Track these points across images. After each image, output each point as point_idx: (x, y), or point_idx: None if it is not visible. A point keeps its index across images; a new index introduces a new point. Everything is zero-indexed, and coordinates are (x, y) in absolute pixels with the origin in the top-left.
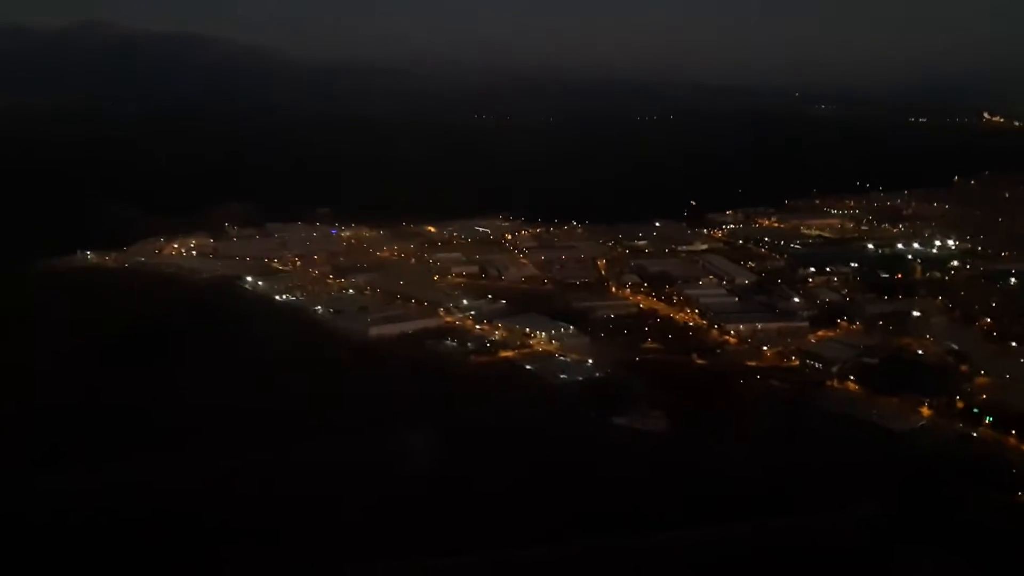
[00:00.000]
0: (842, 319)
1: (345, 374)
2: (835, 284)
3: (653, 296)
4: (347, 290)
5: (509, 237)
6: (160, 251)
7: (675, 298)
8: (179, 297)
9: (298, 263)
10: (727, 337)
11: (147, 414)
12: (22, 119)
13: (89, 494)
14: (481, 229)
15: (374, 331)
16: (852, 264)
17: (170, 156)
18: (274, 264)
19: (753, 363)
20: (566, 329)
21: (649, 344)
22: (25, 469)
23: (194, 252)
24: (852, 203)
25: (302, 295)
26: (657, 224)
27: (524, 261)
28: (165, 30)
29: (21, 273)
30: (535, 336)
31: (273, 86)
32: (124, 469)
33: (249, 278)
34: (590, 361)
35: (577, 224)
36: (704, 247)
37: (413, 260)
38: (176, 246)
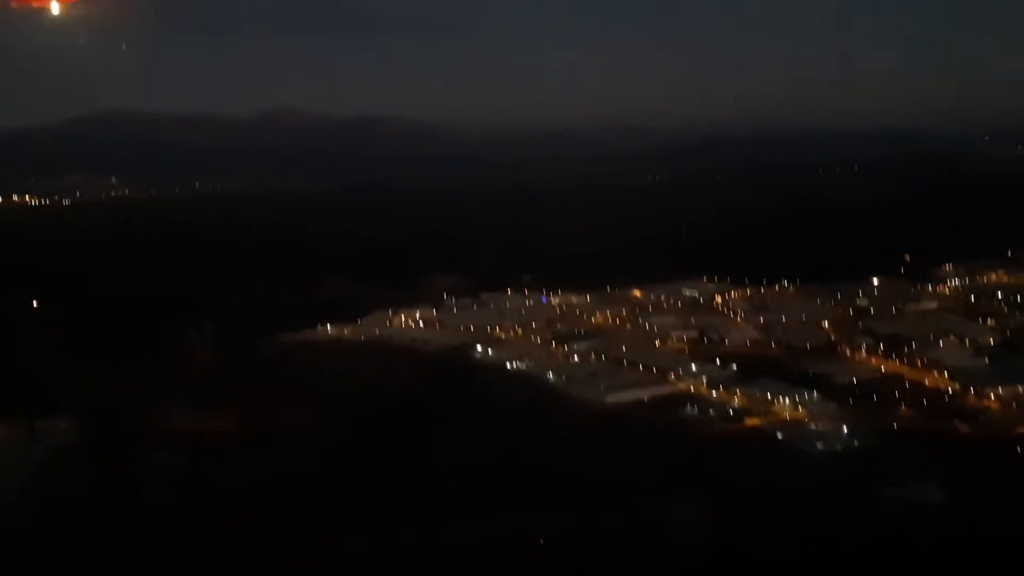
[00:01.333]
0: None
1: (595, 443)
2: None
3: (892, 359)
4: (572, 357)
5: (719, 300)
6: (390, 323)
7: (918, 361)
8: (420, 366)
9: (519, 331)
10: (987, 402)
11: (425, 477)
12: (224, 203)
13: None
14: (688, 292)
15: (610, 398)
16: None
17: (371, 232)
18: (496, 333)
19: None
20: (810, 395)
21: (904, 411)
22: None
23: (421, 323)
24: None
25: (531, 362)
26: (875, 281)
27: (743, 324)
28: (343, 113)
29: (273, 346)
30: (778, 403)
31: (445, 159)
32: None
33: (478, 347)
34: (844, 429)
35: (788, 284)
36: (934, 305)
37: (629, 326)
38: (403, 317)
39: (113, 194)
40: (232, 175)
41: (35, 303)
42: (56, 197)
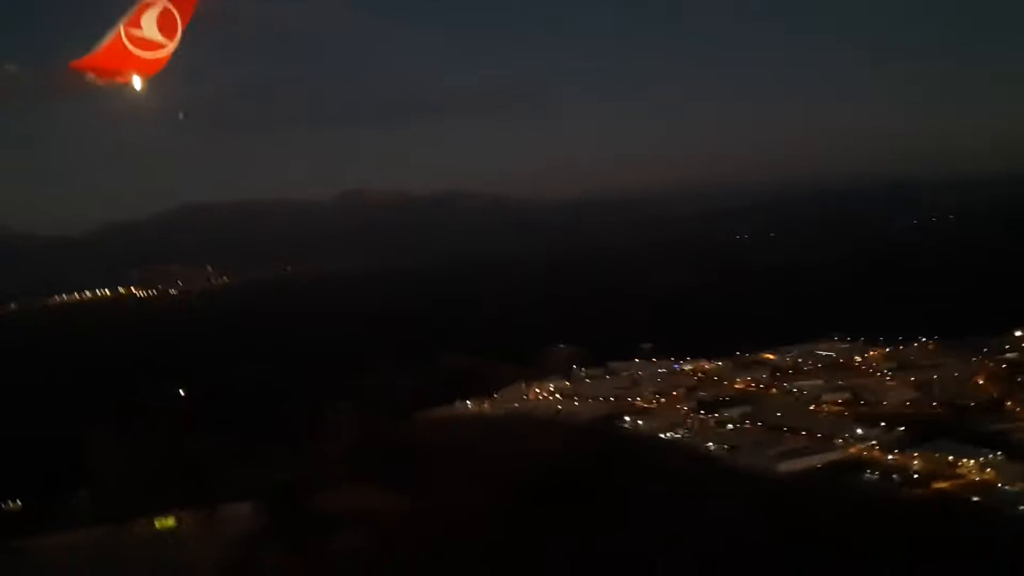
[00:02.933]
0: None
1: (784, 515)
2: None
3: None
4: (726, 425)
5: (859, 359)
6: (527, 396)
7: None
8: (573, 441)
9: (662, 400)
10: None
11: (619, 555)
12: (321, 284)
13: None
14: (824, 353)
15: (782, 467)
16: None
17: (472, 304)
18: (638, 403)
19: None
20: (993, 455)
21: None
22: None
23: (558, 395)
24: None
25: (685, 432)
26: (1017, 333)
27: (894, 384)
28: (417, 191)
29: (416, 423)
30: (962, 464)
31: (525, 229)
32: None
33: (626, 418)
34: None
35: (927, 340)
36: None
37: (774, 390)
38: (537, 390)
39: (212, 282)
40: (318, 256)
41: (180, 391)
42: (160, 287)
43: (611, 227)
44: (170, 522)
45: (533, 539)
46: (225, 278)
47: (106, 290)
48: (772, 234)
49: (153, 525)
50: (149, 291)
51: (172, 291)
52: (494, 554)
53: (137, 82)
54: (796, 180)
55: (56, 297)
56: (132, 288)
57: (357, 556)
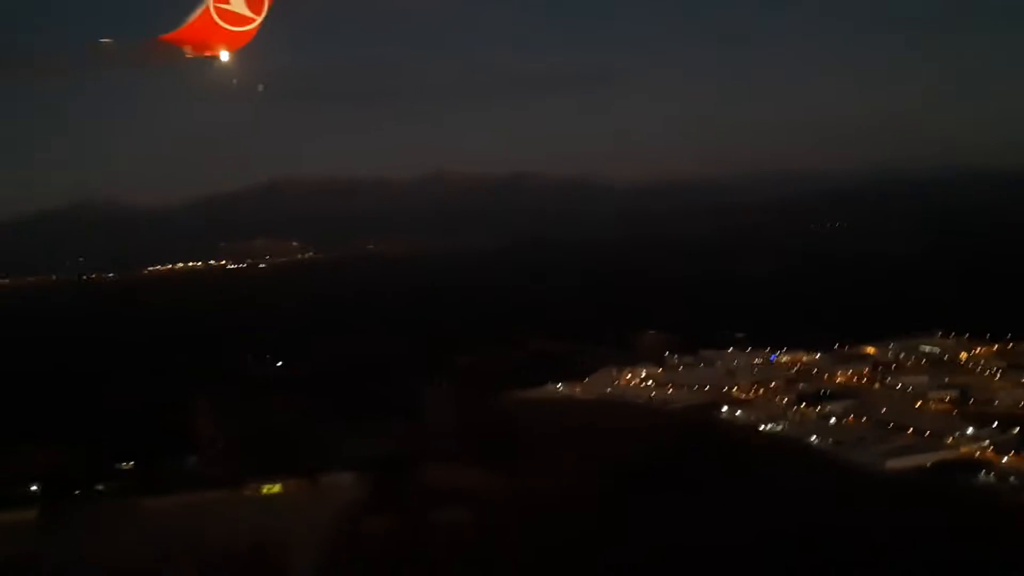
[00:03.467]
0: None
1: (900, 513)
2: None
3: None
4: (829, 419)
5: (965, 356)
6: (618, 382)
7: None
8: (670, 428)
9: (760, 391)
10: None
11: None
12: (404, 263)
13: None
14: (928, 349)
15: (890, 464)
16: None
17: (554, 286)
18: (735, 392)
19: None
20: None
21: None
22: None
23: (651, 382)
24: None
25: (785, 424)
26: None
27: (1003, 383)
28: (496, 172)
29: (511, 403)
30: None
31: (600, 212)
32: None
33: (724, 408)
34: None
35: None
36: None
37: (877, 385)
38: (629, 376)
39: (300, 256)
40: (398, 235)
41: (279, 362)
42: (250, 260)
43: (684, 212)
44: (276, 488)
45: (637, 527)
46: (312, 253)
47: (198, 262)
48: (849, 224)
49: (260, 490)
50: (239, 264)
51: (261, 264)
52: (598, 540)
53: (224, 55)
54: (872, 169)
55: (150, 268)
56: (222, 261)
57: (462, 531)
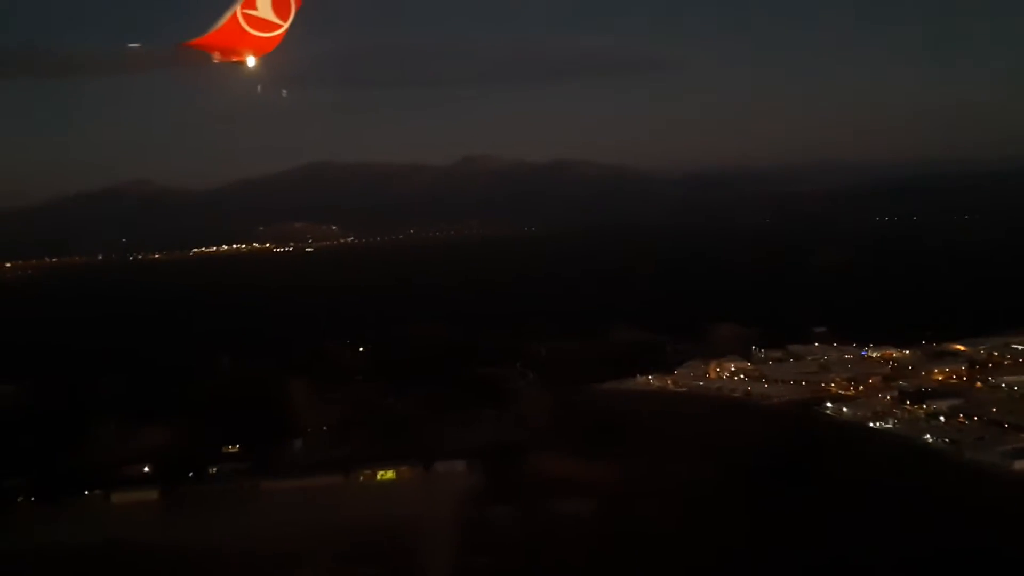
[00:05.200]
0: None
1: None
2: None
3: None
4: (938, 418)
5: None
6: (708, 375)
7: None
8: (778, 423)
9: (859, 387)
10: None
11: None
12: (448, 249)
13: None
14: (1020, 347)
15: (1017, 465)
16: None
17: (617, 274)
18: (831, 388)
19: None
20: None
21: None
22: None
23: (742, 376)
24: None
25: (895, 422)
26: None
27: None
28: (536, 159)
29: (604, 394)
30: None
31: (643, 201)
32: None
33: (829, 404)
34: None
35: None
36: None
37: (979, 383)
38: (718, 369)
39: (342, 241)
40: (437, 220)
41: (360, 348)
42: (296, 244)
43: (736, 203)
44: (391, 474)
45: (769, 523)
46: (353, 238)
47: (242, 244)
48: (916, 217)
49: (375, 476)
50: (284, 247)
51: (308, 248)
52: (722, 538)
53: (251, 60)
54: (927, 161)
55: (196, 249)
56: (268, 243)
57: (581, 522)
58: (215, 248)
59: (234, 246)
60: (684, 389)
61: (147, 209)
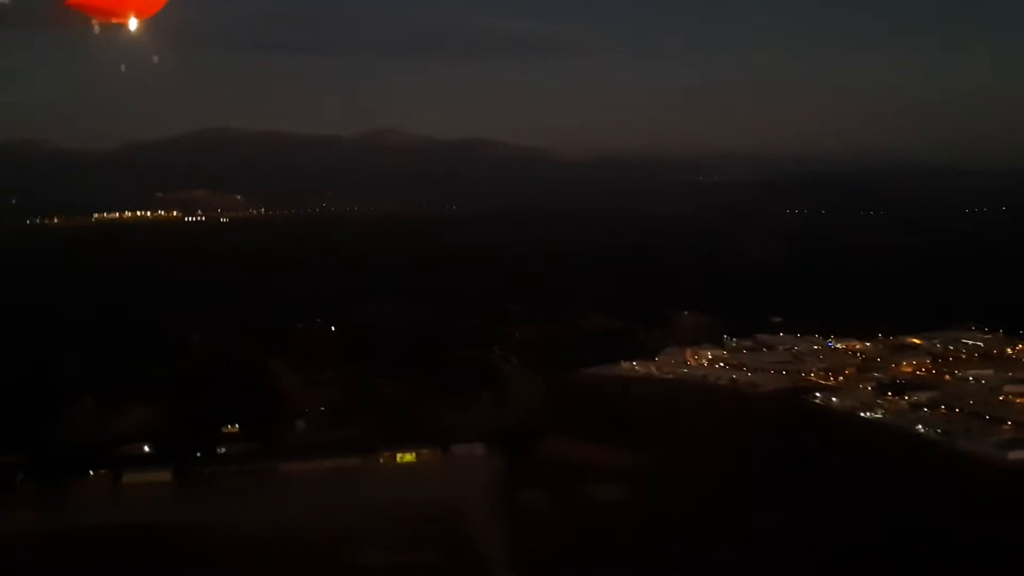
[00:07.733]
0: None
1: None
2: None
3: None
4: (921, 408)
5: (1011, 351)
6: (687, 361)
7: None
8: (771, 411)
9: (838, 378)
10: None
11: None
12: (377, 224)
13: None
14: (970, 342)
15: (1011, 455)
16: None
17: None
18: (812, 378)
19: None
20: None
21: None
22: None
23: (721, 364)
24: None
25: (884, 413)
26: None
27: None
28: (446, 136)
29: (590, 380)
30: None
31: (554, 183)
32: None
33: (818, 394)
34: None
35: None
36: None
37: (947, 376)
38: (696, 357)
39: (253, 212)
40: (349, 194)
41: (331, 328)
42: (207, 214)
43: (651, 191)
44: (411, 457)
45: (787, 512)
46: (264, 210)
47: (147, 212)
48: (823, 211)
49: (395, 459)
50: (196, 216)
51: (223, 220)
52: (739, 524)
53: (133, 23)
54: (835, 157)
55: (96, 215)
56: (174, 211)
57: (613, 507)
58: (117, 214)
59: (138, 213)
60: (670, 376)
61: (34, 170)
